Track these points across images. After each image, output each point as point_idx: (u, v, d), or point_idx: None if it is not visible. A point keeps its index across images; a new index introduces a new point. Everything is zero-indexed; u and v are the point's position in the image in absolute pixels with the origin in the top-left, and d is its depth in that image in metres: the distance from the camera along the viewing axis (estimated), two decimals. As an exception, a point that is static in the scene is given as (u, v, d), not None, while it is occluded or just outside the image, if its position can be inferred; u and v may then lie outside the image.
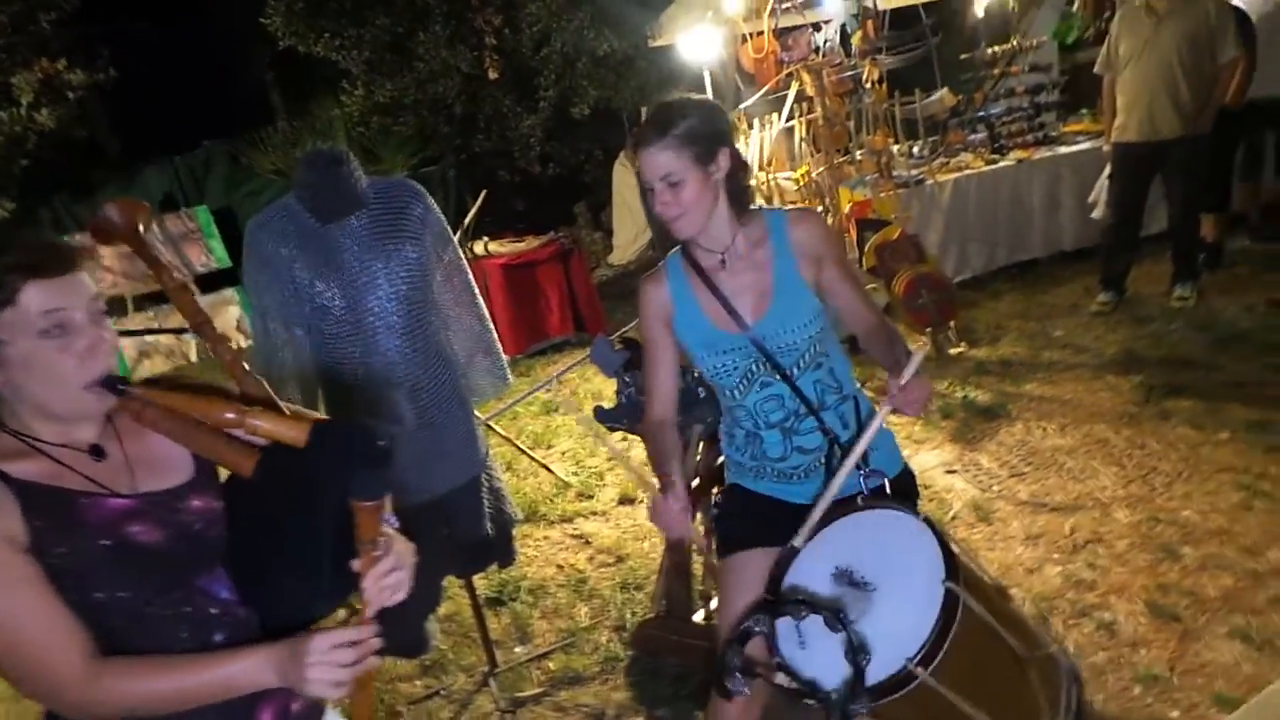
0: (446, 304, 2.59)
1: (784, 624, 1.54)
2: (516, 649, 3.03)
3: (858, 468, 1.82)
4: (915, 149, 6.03)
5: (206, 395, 1.25)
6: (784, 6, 5.54)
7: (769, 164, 5.47)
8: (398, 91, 8.34)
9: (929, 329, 5.00)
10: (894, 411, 1.68)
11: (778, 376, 1.81)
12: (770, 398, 1.83)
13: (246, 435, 1.21)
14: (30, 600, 1.11)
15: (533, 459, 4.24)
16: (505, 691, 2.78)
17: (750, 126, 5.65)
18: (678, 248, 1.90)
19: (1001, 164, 5.80)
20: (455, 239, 2.60)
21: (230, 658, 1.18)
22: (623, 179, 9.76)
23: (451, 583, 3.11)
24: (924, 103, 5.89)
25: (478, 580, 3.32)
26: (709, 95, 5.57)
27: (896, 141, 5.76)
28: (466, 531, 2.66)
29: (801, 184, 5.02)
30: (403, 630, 2.61)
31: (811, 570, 1.68)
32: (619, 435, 2.88)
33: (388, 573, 1.20)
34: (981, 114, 6.16)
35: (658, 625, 2.76)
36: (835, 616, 1.42)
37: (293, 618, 1.28)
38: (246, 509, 1.31)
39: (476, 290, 2.67)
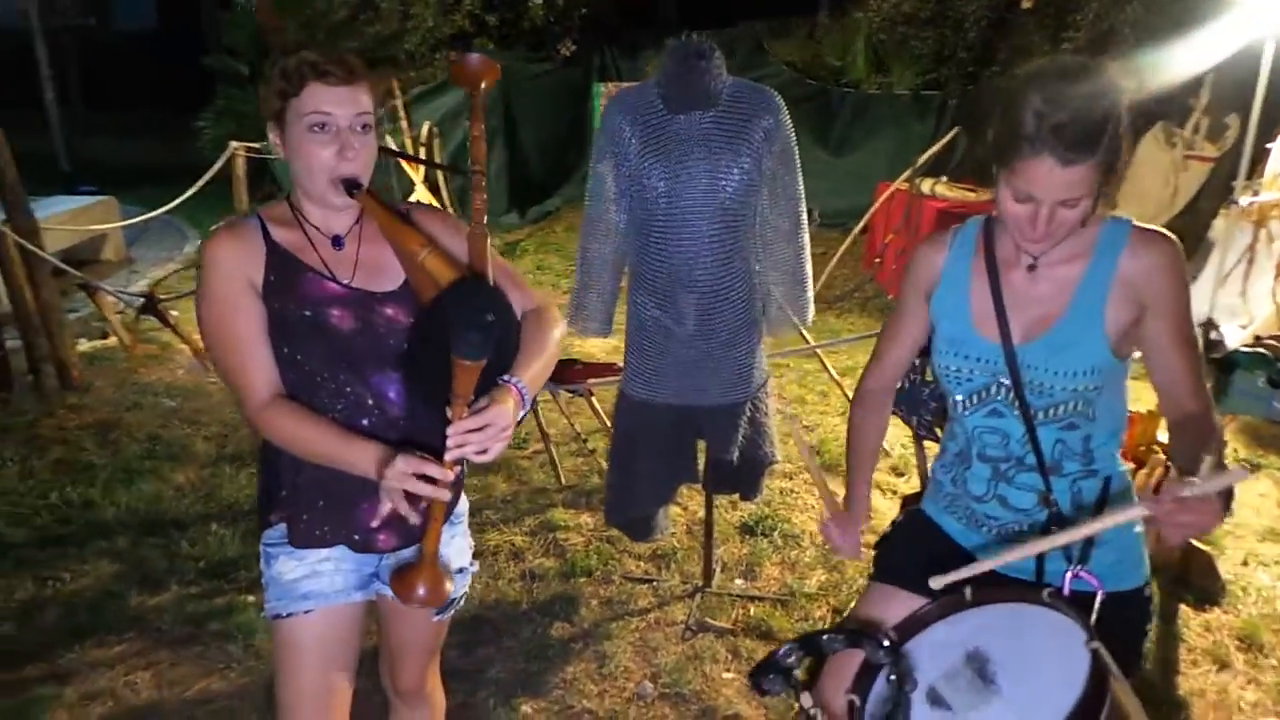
0: (768, 225, 2.50)
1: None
2: (737, 580, 3.01)
3: (1067, 559, 1.46)
4: None
5: (411, 228, 1.42)
6: None
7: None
8: (921, 2, 7.91)
9: None
10: (1149, 522, 1.28)
11: (1017, 411, 1.46)
12: (994, 429, 1.50)
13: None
14: (248, 326, 1.40)
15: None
16: (701, 612, 2.80)
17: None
18: (983, 217, 1.57)
19: None
20: (798, 161, 2.47)
21: (354, 440, 1.38)
22: (1147, 156, 8.29)
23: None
24: None
25: (742, 504, 3.34)
26: (1266, 68, 4.39)
27: None
28: (712, 450, 2.66)
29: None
30: (629, 508, 2.74)
31: (948, 637, 1.41)
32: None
33: (474, 429, 1.29)
34: None
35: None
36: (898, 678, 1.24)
37: (429, 437, 1.37)
38: (421, 332, 1.44)
39: (804, 219, 2.53)
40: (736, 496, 3.00)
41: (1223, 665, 2.59)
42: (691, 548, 3.16)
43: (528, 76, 9.61)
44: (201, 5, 16.11)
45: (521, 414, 1.38)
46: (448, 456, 1.30)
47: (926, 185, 6.02)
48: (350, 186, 1.39)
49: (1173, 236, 1.41)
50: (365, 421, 1.45)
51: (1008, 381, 1.46)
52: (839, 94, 9.52)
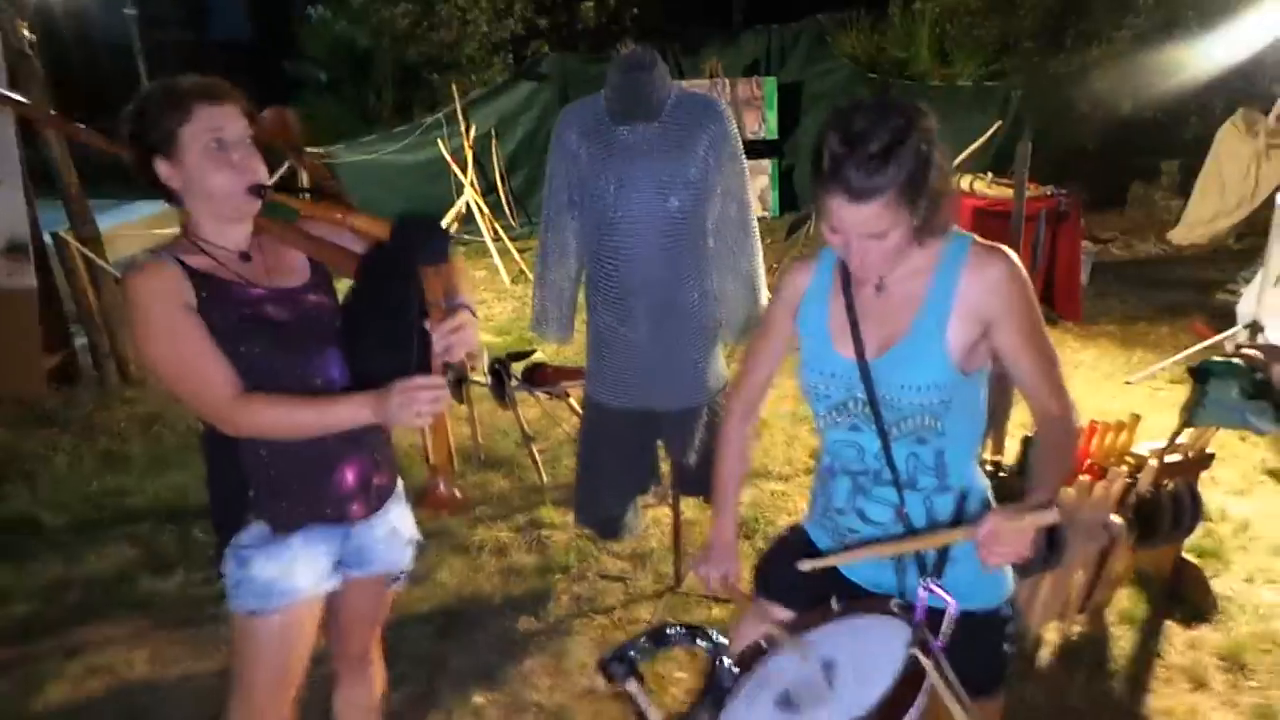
0: (719, 230, 2.52)
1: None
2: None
3: (921, 572, 1.47)
4: None
5: (323, 204, 1.60)
6: None
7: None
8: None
9: None
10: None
11: (873, 425, 1.48)
12: (851, 443, 1.51)
13: (350, 234, 1.58)
14: (197, 344, 1.48)
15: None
16: (667, 611, 2.85)
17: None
18: None
19: None
20: (746, 168, 2.48)
21: (337, 399, 1.53)
22: (1227, 145, 7.86)
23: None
24: None
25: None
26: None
27: None
28: (671, 454, 2.70)
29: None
30: (594, 508, 2.81)
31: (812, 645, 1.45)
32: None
33: (453, 329, 1.48)
34: None
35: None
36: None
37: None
38: (355, 309, 1.64)
39: (754, 225, 2.55)
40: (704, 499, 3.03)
41: (1199, 685, 2.48)
42: (671, 548, 3.20)
43: (586, 77, 9.72)
44: (291, 15, 16.92)
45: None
46: (438, 360, 1.49)
47: (966, 182, 5.84)
48: (259, 190, 1.51)
49: (1009, 251, 1.40)
50: None
51: (863, 396, 1.47)
52: (900, 87, 9.32)
